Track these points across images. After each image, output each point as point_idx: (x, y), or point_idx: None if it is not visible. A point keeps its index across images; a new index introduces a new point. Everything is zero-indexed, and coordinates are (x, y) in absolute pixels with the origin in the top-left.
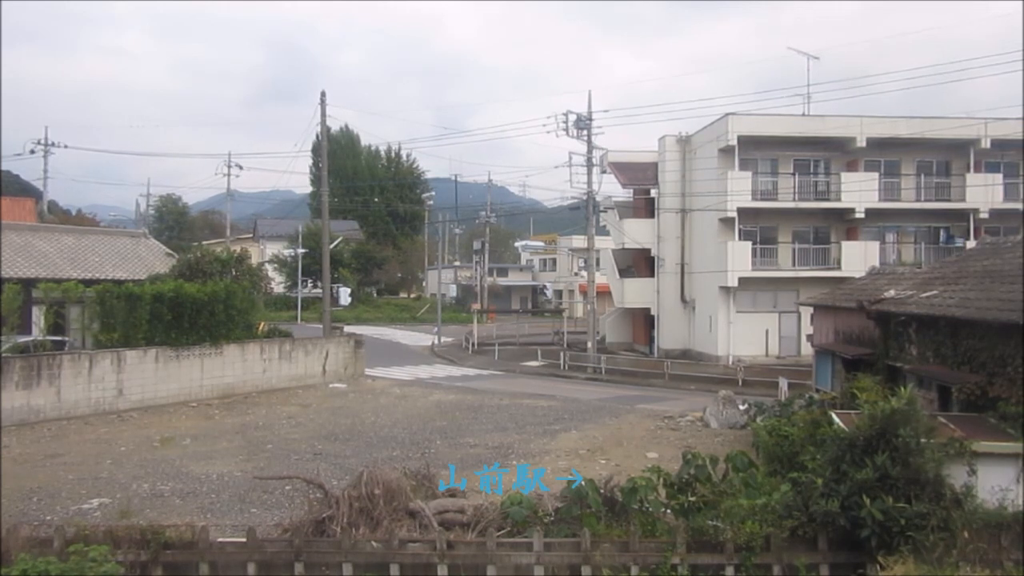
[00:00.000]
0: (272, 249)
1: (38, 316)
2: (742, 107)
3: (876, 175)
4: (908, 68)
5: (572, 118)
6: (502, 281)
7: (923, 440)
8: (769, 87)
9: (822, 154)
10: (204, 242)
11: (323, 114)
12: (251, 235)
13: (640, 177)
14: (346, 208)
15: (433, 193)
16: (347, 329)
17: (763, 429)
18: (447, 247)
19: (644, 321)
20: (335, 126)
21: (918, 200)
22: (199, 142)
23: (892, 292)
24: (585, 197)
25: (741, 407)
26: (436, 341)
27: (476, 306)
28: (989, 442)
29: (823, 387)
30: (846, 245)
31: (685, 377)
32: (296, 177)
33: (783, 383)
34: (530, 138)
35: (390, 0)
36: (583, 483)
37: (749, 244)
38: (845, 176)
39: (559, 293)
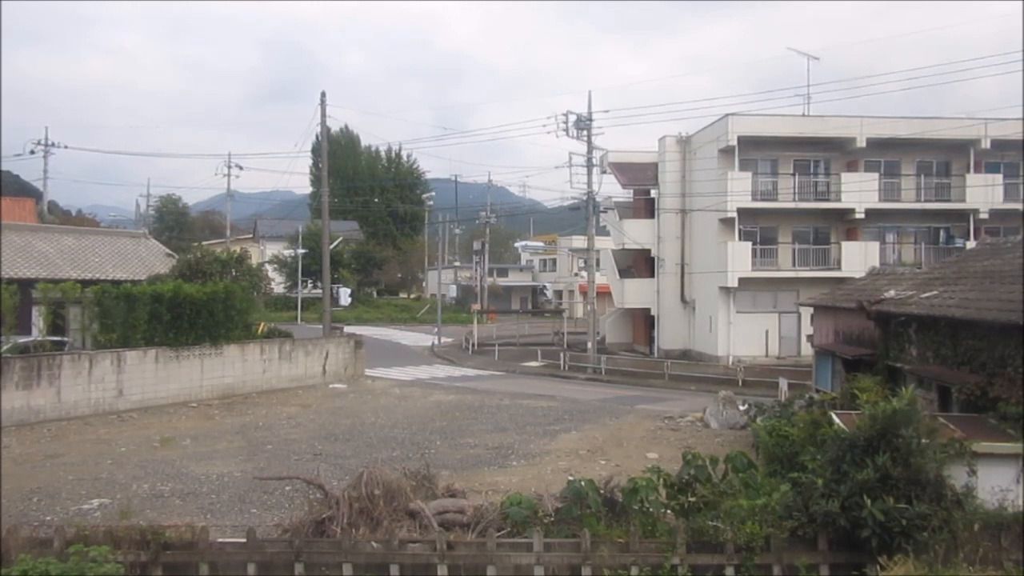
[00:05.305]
0: (272, 249)
1: (37, 317)
2: (742, 107)
3: (876, 175)
4: (908, 68)
5: (572, 118)
6: (502, 281)
7: (924, 440)
8: (769, 87)
9: (822, 154)
10: (204, 242)
11: (323, 114)
12: (251, 235)
13: (640, 177)
14: (346, 208)
15: (433, 193)
16: (347, 329)
17: (763, 429)
18: (447, 247)
19: (644, 321)
20: (335, 126)
21: (918, 200)
22: (199, 142)
23: (892, 292)
24: (585, 197)
25: (741, 407)
26: (436, 341)
27: (476, 306)
28: (989, 442)
29: (823, 387)
30: (846, 245)
31: (685, 377)
32: (296, 177)
33: (783, 383)
34: (530, 138)
35: (390, 0)
36: (583, 483)
37: (749, 244)
38: (845, 176)
39: (559, 293)
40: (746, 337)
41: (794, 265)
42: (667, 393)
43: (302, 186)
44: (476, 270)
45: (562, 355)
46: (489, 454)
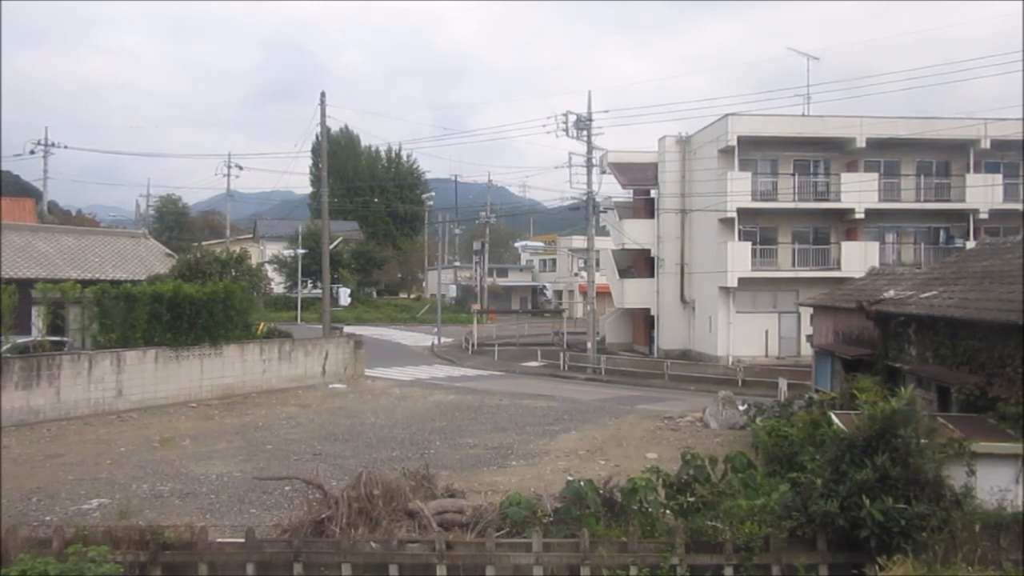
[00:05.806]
0: (272, 249)
1: (37, 317)
2: (742, 107)
3: (876, 175)
4: (908, 68)
5: (572, 119)
6: (502, 282)
7: (923, 441)
8: (769, 87)
9: (822, 154)
10: (204, 242)
11: (323, 114)
12: (251, 235)
13: (640, 177)
14: (346, 208)
15: (433, 193)
16: (347, 329)
17: (763, 430)
18: (447, 247)
19: (644, 321)
20: (335, 126)
21: (918, 200)
22: (199, 142)
23: (892, 293)
24: (585, 197)
25: (741, 407)
26: (436, 342)
27: (476, 306)
28: (988, 443)
29: (823, 387)
30: (846, 245)
31: (685, 377)
32: (296, 177)
33: (783, 383)
34: (530, 138)
35: (390, 0)
36: (582, 484)
37: (749, 244)
38: (845, 176)
39: (559, 293)
40: (746, 337)
41: (794, 265)
42: (667, 393)
43: (302, 186)
44: (476, 270)
45: (562, 355)
46: (489, 454)
